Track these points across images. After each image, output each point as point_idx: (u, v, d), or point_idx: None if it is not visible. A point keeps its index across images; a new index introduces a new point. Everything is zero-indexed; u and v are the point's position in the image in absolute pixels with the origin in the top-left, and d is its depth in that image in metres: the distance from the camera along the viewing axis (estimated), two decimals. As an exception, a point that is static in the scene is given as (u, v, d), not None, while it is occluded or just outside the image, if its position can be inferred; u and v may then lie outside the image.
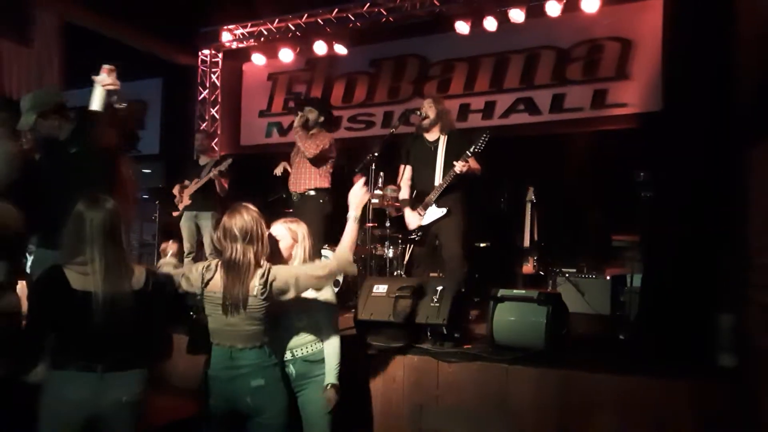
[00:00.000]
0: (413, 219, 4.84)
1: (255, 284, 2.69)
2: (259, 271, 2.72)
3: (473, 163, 4.60)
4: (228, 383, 2.73)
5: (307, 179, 5.29)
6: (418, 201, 4.85)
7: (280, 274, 2.73)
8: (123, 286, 2.44)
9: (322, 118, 5.39)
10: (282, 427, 2.79)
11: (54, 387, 2.37)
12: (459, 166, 4.55)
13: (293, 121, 5.49)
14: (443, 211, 4.66)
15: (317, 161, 5.24)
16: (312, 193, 5.28)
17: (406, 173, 4.99)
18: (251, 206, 2.82)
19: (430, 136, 4.85)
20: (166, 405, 3.68)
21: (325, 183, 5.33)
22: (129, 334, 2.46)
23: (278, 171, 5.74)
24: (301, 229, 3.11)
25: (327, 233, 5.05)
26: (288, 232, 3.07)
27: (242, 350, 2.73)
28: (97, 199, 2.52)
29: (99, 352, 2.40)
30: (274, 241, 2.97)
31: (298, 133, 5.27)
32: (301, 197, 5.34)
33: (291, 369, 3.04)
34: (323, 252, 5.04)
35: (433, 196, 4.70)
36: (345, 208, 3.06)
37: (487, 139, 4.55)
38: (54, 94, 3.66)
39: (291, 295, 2.75)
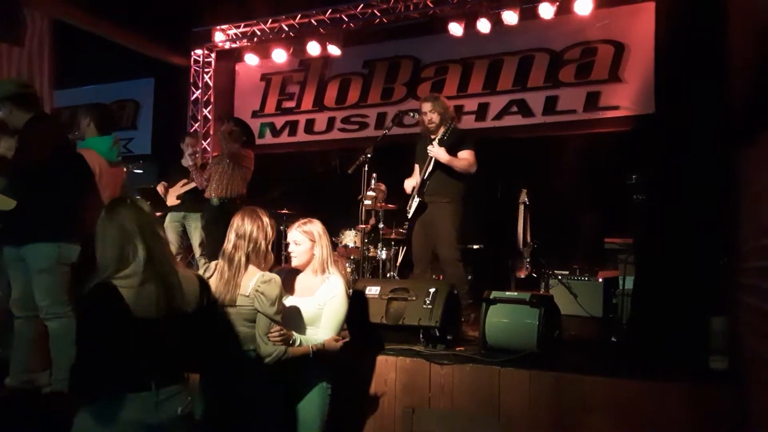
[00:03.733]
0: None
1: (248, 284, 2.75)
2: (257, 275, 2.77)
3: (448, 155, 4.60)
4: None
5: (231, 186, 5.85)
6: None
7: (268, 292, 2.73)
8: (177, 299, 2.28)
9: (244, 138, 6.07)
10: (278, 428, 2.80)
11: (105, 409, 2.18)
12: (429, 151, 4.63)
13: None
14: (418, 200, 4.73)
15: (239, 171, 5.88)
16: (235, 198, 5.83)
17: (415, 171, 5.04)
18: (263, 213, 2.91)
19: (434, 135, 4.86)
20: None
21: (244, 190, 5.98)
22: (180, 348, 2.33)
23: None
24: (315, 228, 3.17)
25: None
26: (304, 236, 3.14)
27: None
28: (130, 200, 2.34)
29: (152, 369, 2.24)
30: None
31: (225, 139, 5.88)
32: (222, 201, 5.83)
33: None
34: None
35: (417, 188, 4.73)
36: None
37: (452, 126, 4.63)
38: (11, 84, 3.79)
39: (259, 311, 2.75)
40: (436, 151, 4.58)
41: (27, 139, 3.49)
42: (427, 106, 4.80)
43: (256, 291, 2.72)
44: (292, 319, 3.04)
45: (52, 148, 3.48)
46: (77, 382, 2.20)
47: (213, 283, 2.81)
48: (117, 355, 2.17)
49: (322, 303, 3.08)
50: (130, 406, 2.18)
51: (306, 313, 3.07)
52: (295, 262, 3.15)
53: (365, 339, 3.96)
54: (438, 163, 4.63)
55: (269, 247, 2.91)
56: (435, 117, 4.76)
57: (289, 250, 3.16)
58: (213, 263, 2.91)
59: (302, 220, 3.20)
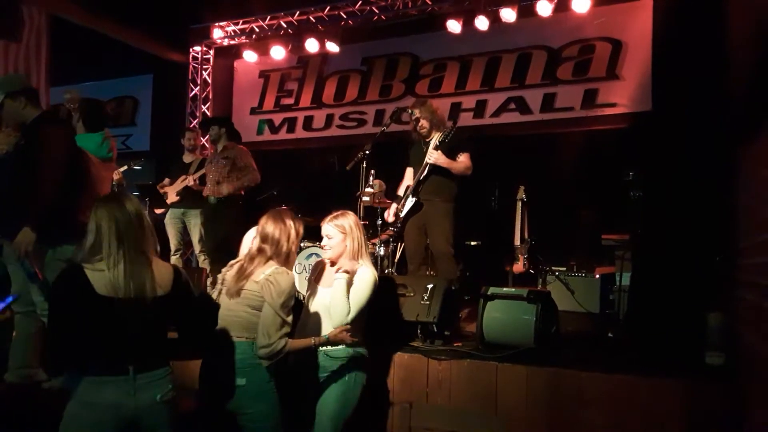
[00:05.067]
0: (392, 211, 4.96)
1: (260, 273, 2.82)
2: (272, 267, 2.84)
3: (448, 159, 4.63)
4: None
5: (228, 185, 5.84)
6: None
7: (279, 281, 2.77)
8: (147, 284, 2.34)
9: (223, 130, 6.02)
10: (269, 429, 2.81)
11: (84, 393, 2.26)
12: (427, 157, 4.64)
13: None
14: (413, 200, 4.74)
15: (235, 170, 5.86)
16: (233, 196, 5.85)
17: (407, 174, 5.05)
18: (287, 216, 2.98)
19: (429, 139, 4.88)
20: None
21: (242, 189, 5.95)
22: (157, 333, 2.40)
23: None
24: (347, 220, 3.21)
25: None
26: (336, 229, 3.19)
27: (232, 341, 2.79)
28: (115, 196, 2.46)
29: (129, 353, 2.30)
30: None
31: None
32: (219, 200, 5.85)
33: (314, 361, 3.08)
34: None
35: (411, 187, 4.76)
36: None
37: (453, 130, 4.64)
38: (22, 79, 3.85)
39: (266, 301, 2.77)
40: (436, 157, 4.62)
41: (38, 138, 3.47)
42: (415, 113, 4.84)
43: (267, 279, 2.77)
44: (318, 314, 3.10)
45: (62, 151, 3.45)
46: (48, 358, 2.30)
47: (230, 275, 2.90)
48: (86, 335, 2.26)
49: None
50: (108, 389, 2.25)
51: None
52: (329, 254, 3.21)
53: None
54: (434, 166, 4.66)
55: (293, 248, 2.97)
56: (425, 123, 4.81)
57: (323, 243, 3.23)
58: (236, 261, 2.99)
59: (335, 213, 3.25)
